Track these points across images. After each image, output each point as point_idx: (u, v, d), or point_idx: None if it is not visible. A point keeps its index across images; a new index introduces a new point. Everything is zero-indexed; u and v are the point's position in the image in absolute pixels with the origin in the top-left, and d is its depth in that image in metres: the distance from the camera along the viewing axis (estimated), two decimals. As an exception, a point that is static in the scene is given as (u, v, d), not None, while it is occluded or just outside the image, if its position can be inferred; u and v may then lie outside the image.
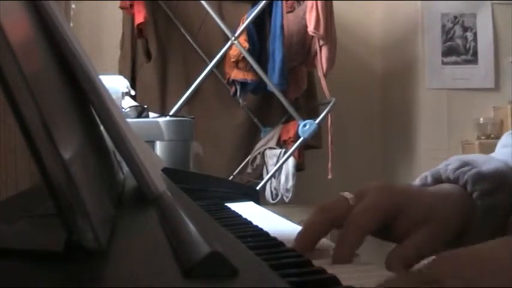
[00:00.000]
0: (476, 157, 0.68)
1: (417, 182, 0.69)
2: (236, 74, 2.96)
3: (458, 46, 3.42)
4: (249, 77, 2.93)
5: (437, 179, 0.66)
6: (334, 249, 0.52)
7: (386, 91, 3.80)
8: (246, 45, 2.82)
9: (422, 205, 0.58)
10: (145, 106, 1.71)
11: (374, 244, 0.61)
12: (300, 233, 0.54)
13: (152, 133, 1.47)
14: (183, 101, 2.66)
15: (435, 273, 0.38)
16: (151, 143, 1.44)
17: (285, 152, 2.82)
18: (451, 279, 0.37)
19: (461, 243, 0.61)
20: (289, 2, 2.95)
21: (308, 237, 0.54)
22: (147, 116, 1.68)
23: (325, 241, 0.57)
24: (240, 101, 3.11)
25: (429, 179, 0.67)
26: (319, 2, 2.73)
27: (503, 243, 0.42)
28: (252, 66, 2.79)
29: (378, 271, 0.49)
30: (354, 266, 0.50)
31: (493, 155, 0.73)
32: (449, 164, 0.66)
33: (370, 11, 3.79)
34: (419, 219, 0.57)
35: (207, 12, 2.76)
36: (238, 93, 3.05)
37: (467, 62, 3.42)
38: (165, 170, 0.81)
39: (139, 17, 2.86)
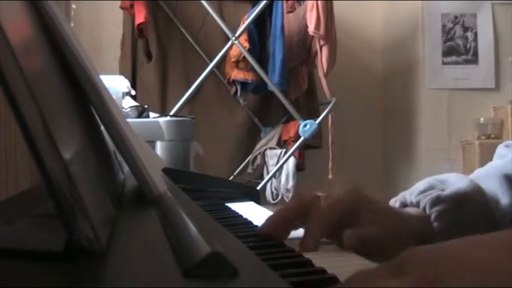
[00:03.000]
0: (448, 177, 0.72)
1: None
2: (236, 74, 2.96)
3: (458, 46, 3.42)
4: (249, 77, 2.94)
5: (404, 203, 0.71)
6: (301, 239, 0.57)
7: (386, 91, 3.80)
8: (247, 45, 2.83)
9: (379, 213, 0.62)
10: (146, 106, 1.72)
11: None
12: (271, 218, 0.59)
13: (152, 133, 1.47)
14: (184, 101, 2.66)
15: (405, 263, 0.39)
16: (152, 143, 1.44)
17: (286, 152, 2.82)
18: (419, 271, 0.38)
19: None
20: (289, 2, 2.95)
21: (279, 223, 0.59)
22: (148, 116, 1.68)
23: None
24: (241, 101, 3.12)
25: (397, 204, 0.71)
26: (319, 2, 2.73)
27: (474, 241, 0.43)
28: (252, 66, 2.80)
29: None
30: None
31: (480, 170, 0.76)
32: (416, 188, 0.70)
33: (370, 11, 3.79)
34: (375, 223, 0.61)
35: (208, 12, 2.76)
36: (238, 93, 3.05)
37: (467, 62, 3.42)
38: (166, 170, 0.81)
39: (140, 17, 2.86)
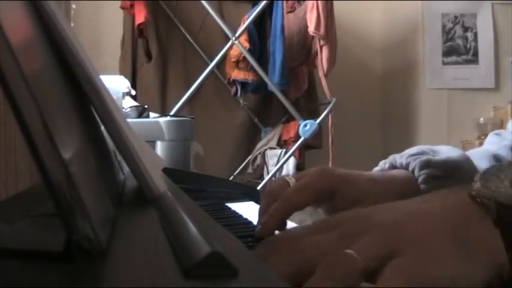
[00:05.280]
0: (440, 148, 0.72)
1: (378, 168, 0.73)
2: (237, 74, 2.96)
3: (458, 46, 3.42)
4: (249, 77, 2.94)
5: (393, 165, 0.70)
6: (262, 218, 0.57)
7: (386, 91, 3.80)
8: (247, 45, 2.83)
9: (355, 187, 0.62)
10: (146, 106, 1.71)
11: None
12: (259, 222, 0.58)
13: (153, 133, 1.46)
14: (184, 101, 2.66)
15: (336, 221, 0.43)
16: (152, 143, 1.44)
17: (286, 152, 2.82)
18: (344, 229, 0.41)
19: None
20: (289, 2, 2.95)
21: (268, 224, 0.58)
22: (148, 116, 1.68)
23: None
24: (241, 101, 3.12)
25: (387, 165, 0.71)
26: (319, 2, 2.73)
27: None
28: (252, 66, 2.80)
29: None
30: None
31: (471, 151, 0.76)
32: (407, 151, 0.70)
33: (370, 11, 3.79)
34: (352, 201, 0.61)
35: (208, 12, 2.76)
36: (238, 93, 3.05)
37: (467, 62, 3.42)
38: (165, 170, 0.81)
39: (140, 17, 2.86)
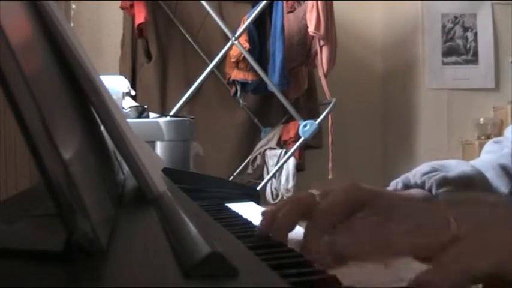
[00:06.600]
0: (448, 162, 0.71)
1: (390, 188, 0.71)
2: (236, 74, 2.96)
3: (458, 46, 3.42)
4: (249, 77, 2.93)
5: (407, 185, 0.69)
6: (303, 238, 0.54)
7: (386, 91, 3.80)
8: (247, 45, 2.82)
9: (384, 201, 0.60)
10: (146, 106, 1.71)
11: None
12: (275, 223, 0.56)
13: (152, 133, 1.46)
14: (184, 101, 2.66)
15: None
16: (152, 143, 1.44)
17: (286, 152, 2.82)
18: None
19: None
20: (289, 2, 2.95)
21: (282, 226, 0.56)
22: (148, 116, 1.68)
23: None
24: (240, 101, 3.11)
25: (400, 185, 0.70)
26: (319, 2, 2.73)
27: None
28: (252, 67, 2.79)
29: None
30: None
31: (474, 161, 0.76)
32: (419, 170, 0.69)
33: (370, 11, 3.79)
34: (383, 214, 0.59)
35: (208, 13, 2.76)
36: (238, 93, 3.05)
37: (467, 62, 3.42)
38: (165, 170, 0.81)
39: (140, 17, 2.86)
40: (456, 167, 0.69)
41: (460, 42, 3.42)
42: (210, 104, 3.23)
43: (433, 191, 0.66)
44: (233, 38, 2.70)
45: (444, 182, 0.66)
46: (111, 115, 0.44)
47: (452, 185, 0.65)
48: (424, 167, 0.69)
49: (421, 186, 0.67)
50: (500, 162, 0.72)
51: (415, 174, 0.69)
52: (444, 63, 3.41)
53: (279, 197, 2.90)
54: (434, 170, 0.68)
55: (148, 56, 3.17)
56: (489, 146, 0.80)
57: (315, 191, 0.60)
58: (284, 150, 2.86)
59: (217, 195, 0.95)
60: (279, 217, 0.57)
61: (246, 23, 2.77)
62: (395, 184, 0.70)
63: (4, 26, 0.26)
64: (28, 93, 0.27)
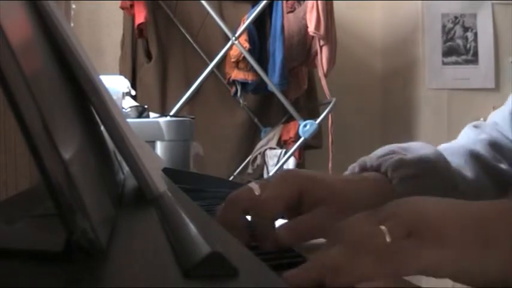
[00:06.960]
0: (411, 145, 0.69)
1: (347, 171, 0.70)
2: (236, 74, 2.96)
3: (458, 46, 3.42)
4: (249, 77, 2.93)
5: (363, 167, 0.67)
6: (259, 242, 0.55)
7: (386, 91, 3.80)
8: (247, 45, 2.82)
9: (322, 187, 0.60)
10: (146, 106, 1.71)
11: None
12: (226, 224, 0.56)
13: (152, 133, 1.46)
14: (184, 101, 2.66)
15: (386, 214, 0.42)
16: (152, 143, 1.44)
17: (286, 152, 2.82)
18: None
19: None
20: (289, 2, 2.95)
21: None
22: (148, 116, 1.68)
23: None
24: (241, 101, 3.11)
25: (356, 168, 0.68)
26: (319, 2, 2.73)
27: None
28: (252, 67, 2.79)
29: None
30: None
31: (446, 144, 0.74)
32: (376, 153, 0.67)
33: (370, 11, 3.79)
34: (319, 200, 0.58)
35: (208, 12, 2.76)
36: (238, 93, 3.05)
37: (467, 62, 3.42)
38: (165, 170, 0.81)
39: (140, 17, 2.86)
40: (418, 150, 0.67)
41: (460, 42, 3.42)
42: (210, 104, 3.22)
43: (389, 174, 0.63)
44: (233, 38, 2.70)
45: (401, 164, 0.63)
46: (111, 115, 0.44)
47: (410, 167, 0.63)
48: (382, 149, 0.67)
49: (377, 169, 0.65)
50: (473, 148, 0.70)
51: (371, 157, 0.66)
52: (444, 63, 3.41)
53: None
54: (392, 153, 0.66)
55: (149, 56, 3.17)
56: (468, 129, 0.77)
57: (252, 185, 0.60)
58: (284, 150, 2.86)
59: (217, 195, 0.95)
60: (225, 224, 0.56)
61: (246, 23, 2.77)
62: (353, 168, 0.69)
63: (4, 26, 0.26)
64: (28, 93, 0.27)
